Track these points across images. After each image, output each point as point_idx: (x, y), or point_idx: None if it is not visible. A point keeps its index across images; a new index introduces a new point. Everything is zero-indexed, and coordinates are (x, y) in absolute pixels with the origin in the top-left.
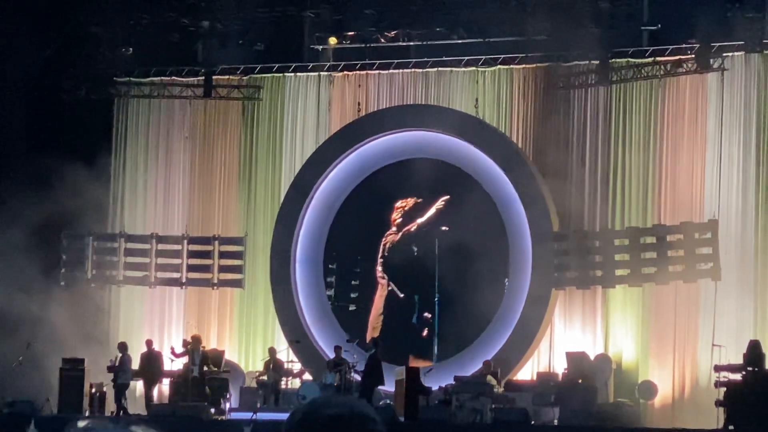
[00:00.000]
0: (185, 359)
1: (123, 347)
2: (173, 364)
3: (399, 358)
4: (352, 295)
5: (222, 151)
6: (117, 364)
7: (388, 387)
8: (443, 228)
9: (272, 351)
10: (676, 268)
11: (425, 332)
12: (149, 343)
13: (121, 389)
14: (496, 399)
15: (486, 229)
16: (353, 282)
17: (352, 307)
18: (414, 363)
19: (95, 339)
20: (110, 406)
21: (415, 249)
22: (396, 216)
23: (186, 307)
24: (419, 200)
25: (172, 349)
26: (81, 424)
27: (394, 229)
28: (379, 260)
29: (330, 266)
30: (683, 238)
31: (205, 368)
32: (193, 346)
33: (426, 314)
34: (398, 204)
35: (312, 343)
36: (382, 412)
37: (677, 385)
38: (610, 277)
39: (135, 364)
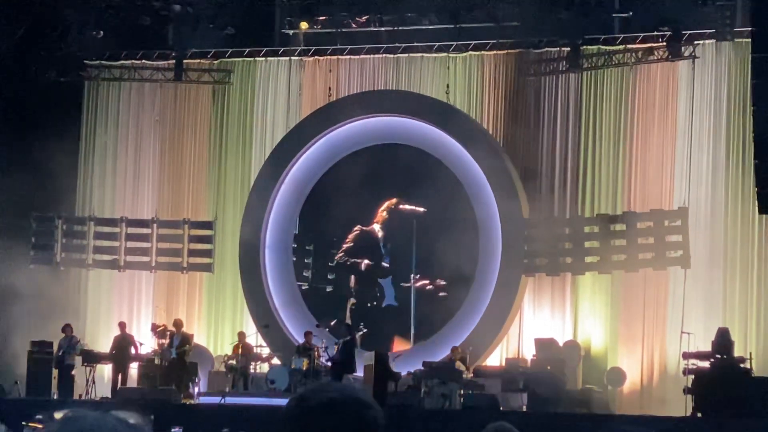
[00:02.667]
0: (162, 341)
1: (69, 329)
2: (142, 348)
3: (378, 341)
4: (329, 277)
5: (192, 135)
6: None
7: (357, 372)
8: (420, 209)
9: (241, 335)
10: (645, 255)
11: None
12: (122, 325)
13: (68, 370)
14: (465, 385)
15: (456, 215)
16: (330, 264)
17: (329, 289)
18: (397, 346)
19: (64, 322)
20: (78, 389)
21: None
22: (381, 212)
23: (155, 290)
24: (396, 200)
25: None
26: (58, 414)
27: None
28: (344, 247)
29: (307, 248)
30: (653, 226)
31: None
32: (176, 331)
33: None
34: (383, 206)
35: (281, 327)
36: None
37: (646, 372)
38: (580, 264)
39: (95, 346)
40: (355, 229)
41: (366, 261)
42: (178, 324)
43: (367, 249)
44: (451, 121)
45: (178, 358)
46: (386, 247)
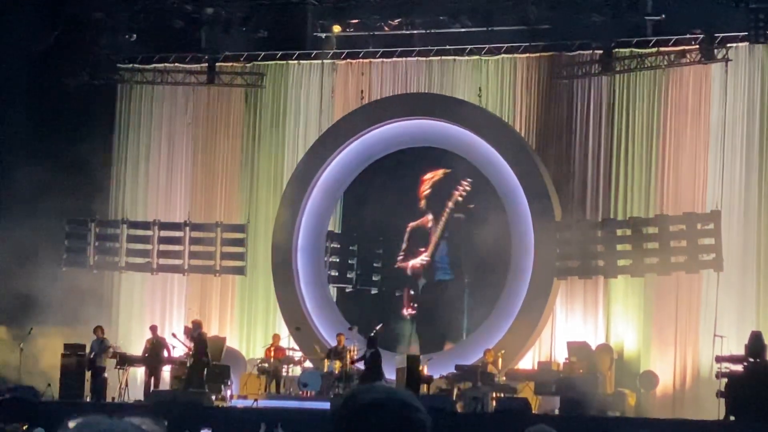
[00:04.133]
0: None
1: (101, 331)
2: (174, 350)
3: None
4: (374, 279)
5: (225, 138)
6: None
7: (390, 375)
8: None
9: (276, 338)
10: (678, 258)
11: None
12: (154, 329)
13: (99, 372)
14: (497, 388)
15: (488, 218)
16: (375, 264)
17: (374, 291)
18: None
19: (96, 325)
20: (111, 392)
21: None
22: (425, 188)
23: (187, 293)
24: (448, 170)
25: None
26: (72, 423)
27: (421, 220)
28: (402, 251)
29: (351, 248)
30: (685, 229)
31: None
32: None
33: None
34: (426, 176)
35: (313, 330)
36: None
37: (678, 375)
38: (612, 267)
39: (124, 348)
40: (407, 227)
41: (414, 262)
42: (195, 325)
43: (421, 242)
44: (484, 124)
45: (194, 361)
46: (440, 245)
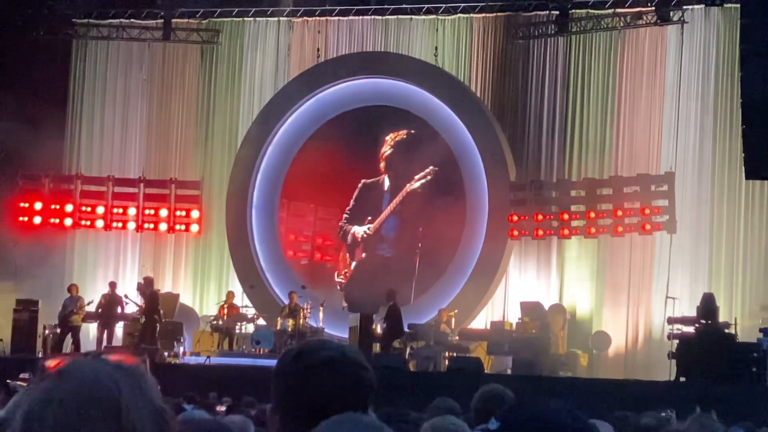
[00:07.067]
0: (141, 301)
1: (75, 288)
2: (127, 307)
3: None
4: (304, 248)
5: (180, 94)
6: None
7: (342, 334)
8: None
9: (230, 295)
10: (631, 220)
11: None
12: (113, 285)
13: (74, 331)
14: (450, 347)
15: (443, 178)
16: (306, 233)
17: (303, 262)
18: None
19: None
20: (64, 348)
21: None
22: (385, 149)
23: (141, 250)
24: (413, 131)
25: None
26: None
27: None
28: (347, 210)
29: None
30: (639, 190)
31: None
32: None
33: None
34: (388, 137)
35: (267, 288)
36: None
37: (631, 336)
38: (566, 228)
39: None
40: (359, 185)
41: (357, 230)
42: (147, 281)
43: (372, 205)
44: (440, 84)
45: (147, 318)
46: (388, 220)
